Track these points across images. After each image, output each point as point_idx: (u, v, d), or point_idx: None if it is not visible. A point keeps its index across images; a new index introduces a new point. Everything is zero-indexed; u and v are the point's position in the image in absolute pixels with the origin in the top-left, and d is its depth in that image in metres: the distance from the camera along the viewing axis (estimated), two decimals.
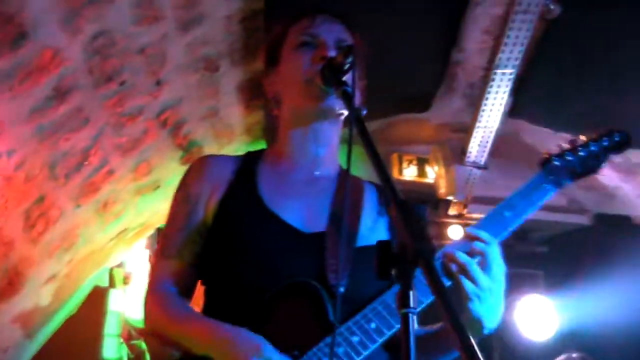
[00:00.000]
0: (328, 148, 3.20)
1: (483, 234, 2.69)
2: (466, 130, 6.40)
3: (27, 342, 5.61)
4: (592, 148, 3.04)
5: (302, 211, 3.08)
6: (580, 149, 3.02)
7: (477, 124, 6.18)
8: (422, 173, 6.65)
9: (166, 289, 3.05)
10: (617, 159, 6.82)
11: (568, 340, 7.87)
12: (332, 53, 2.97)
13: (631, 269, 7.60)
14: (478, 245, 2.68)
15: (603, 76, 5.46)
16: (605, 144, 3.04)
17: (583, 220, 7.89)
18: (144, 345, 5.28)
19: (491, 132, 6.30)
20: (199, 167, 3.29)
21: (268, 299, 2.89)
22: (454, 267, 2.65)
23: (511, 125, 6.27)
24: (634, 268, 7.59)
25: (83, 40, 4.26)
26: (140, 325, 5.48)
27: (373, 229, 3.07)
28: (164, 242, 3.19)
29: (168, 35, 4.73)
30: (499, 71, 5.60)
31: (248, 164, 3.24)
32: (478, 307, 2.63)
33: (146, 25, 4.54)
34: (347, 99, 2.66)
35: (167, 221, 3.23)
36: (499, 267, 2.66)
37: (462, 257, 2.64)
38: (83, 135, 4.77)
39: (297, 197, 3.13)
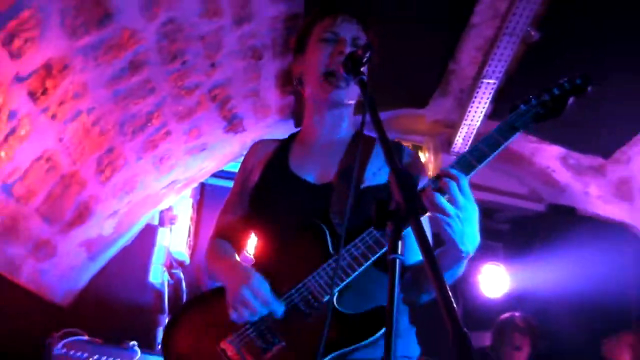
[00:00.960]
0: (341, 121, 3.26)
1: (452, 171, 2.59)
2: (454, 127, 6.44)
3: (90, 264, 5.53)
4: (555, 91, 2.83)
5: (316, 169, 3.17)
6: (543, 93, 2.83)
7: (463, 122, 6.22)
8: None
9: (220, 237, 3.30)
10: (571, 160, 6.46)
11: (515, 301, 7.90)
12: (348, 49, 3.00)
13: (573, 250, 7.47)
14: (448, 181, 2.57)
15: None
16: (566, 86, 2.84)
17: (539, 207, 7.79)
18: (181, 274, 5.23)
19: (474, 129, 6.33)
20: (252, 149, 3.42)
21: (283, 236, 3.05)
22: (434, 201, 2.55)
23: (490, 126, 6.12)
24: (575, 249, 7.47)
25: (156, 25, 4.21)
26: (180, 258, 5.43)
27: (377, 173, 3.08)
28: (226, 202, 3.39)
29: (224, 27, 4.67)
30: (484, 81, 5.56)
31: (285, 142, 3.36)
32: (451, 233, 2.56)
33: (208, 17, 4.48)
34: (364, 86, 2.70)
35: (233, 187, 3.39)
36: (467, 197, 2.58)
37: (430, 191, 2.56)
38: (148, 102, 4.75)
39: (314, 159, 3.21)
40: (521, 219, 8.54)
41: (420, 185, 2.74)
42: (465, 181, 2.57)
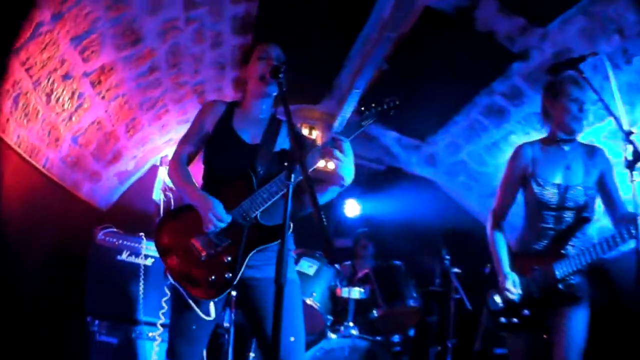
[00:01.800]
0: (266, 106, 3.28)
1: (342, 137, 2.83)
2: (334, 117, 6.35)
3: (120, 186, 5.53)
4: (383, 106, 2.98)
5: (249, 133, 3.19)
6: (377, 106, 2.97)
7: (340, 114, 6.19)
8: (310, 133, 6.73)
9: (181, 160, 3.19)
10: (402, 141, 7.04)
11: (364, 221, 7.94)
12: (273, 63, 3.08)
13: (400, 193, 7.66)
14: (341, 141, 2.81)
15: (407, 96, 5.41)
16: (391, 104, 2.99)
17: (382, 167, 7.84)
18: (171, 195, 5.34)
19: (345, 119, 6.31)
20: (208, 104, 3.34)
21: (226, 174, 3.08)
22: (332, 152, 2.79)
23: (353, 117, 6.16)
24: (401, 193, 7.64)
25: (166, 46, 4.24)
26: (170, 185, 5.51)
27: (283, 142, 3.18)
28: (186, 135, 3.29)
29: (205, 50, 4.67)
30: (354, 90, 5.54)
31: (231, 107, 3.31)
32: (341, 170, 2.83)
33: (196, 43, 4.48)
34: (281, 86, 2.86)
35: (189, 127, 3.30)
36: (349, 151, 2.83)
37: (332, 145, 2.80)
38: (157, 91, 4.72)
39: (248, 126, 3.22)
40: (370, 173, 8.22)
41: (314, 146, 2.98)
42: (347, 142, 2.83)
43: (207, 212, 2.90)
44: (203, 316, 2.94)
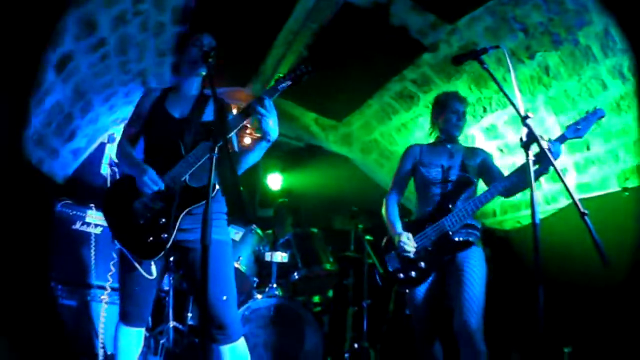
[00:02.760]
0: (195, 85, 3.48)
1: (264, 95, 3.08)
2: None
3: (74, 162, 5.57)
4: (298, 72, 3.23)
5: (179, 109, 3.37)
6: (295, 71, 3.25)
7: None
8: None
9: (124, 141, 3.40)
10: (319, 121, 7.29)
11: (286, 192, 8.14)
12: (205, 49, 3.27)
13: (318, 169, 8.08)
14: (264, 100, 3.05)
15: (325, 81, 5.67)
16: (304, 70, 3.24)
17: (301, 144, 8.11)
18: (116, 169, 5.50)
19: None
20: (147, 91, 3.54)
21: (158, 145, 3.32)
22: (256, 109, 3.04)
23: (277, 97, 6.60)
24: (319, 169, 8.07)
25: (116, 36, 4.36)
26: (115, 160, 5.38)
27: (209, 116, 3.34)
28: (129, 119, 3.47)
29: (148, 38, 4.78)
30: (277, 75, 5.70)
31: (165, 91, 3.50)
32: (266, 127, 3.07)
33: (142, 31, 4.60)
34: (210, 69, 3.05)
35: (132, 112, 3.50)
36: (271, 108, 3.05)
37: (257, 104, 3.03)
38: (107, 76, 4.86)
39: (178, 104, 3.40)
40: (292, 149, 8.62)
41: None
42: (269, 100, 3.07)
43: (142, 177, 3.09)
44: (146, 275, 3.16)
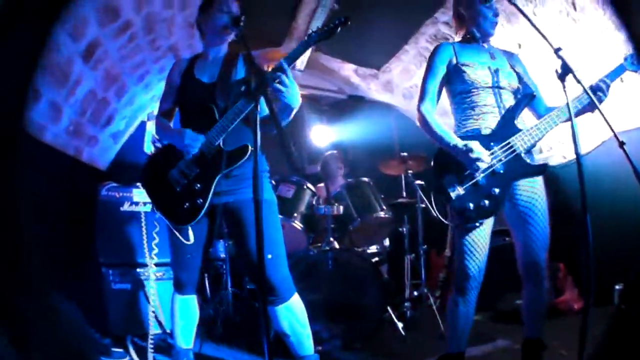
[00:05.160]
0: (222, 48, 3.45)
1: (283, 64, 2.95)
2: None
3: (114, 146, 5.52)
4: (330, 26, 3.06)
5: (208, 74, 3.35)
6: (324, 27, 3.11)
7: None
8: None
9: (162, 116, 3.44)
10: (359, 71, 7.33)
11: (333, 147, 7.85)
12: (235, 14, 3.27)
13: (350, 120, 8.19)
14: (279, 77, 2.93)
15: (360, 30, 5.66)
16: (337, 22, 3.03)
17: (344, 96, 8.09)
18: (159, 145, 5.50)
19: (304, 60, 6.65)
20: (175, 64, 3.54)
21: (192, 112, 3.33)
22: (272, 87, 2.94)
23: (314, 52, 6.61)
24: (366, 121, 8.08)
25: (141, 16, 4.37)
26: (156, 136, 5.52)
27: (239, 75, 3.27)
28: (162, 94, 3.51)
29: (175, 14, 4.75)
30: (311, 30, 5.89)
31: (193, 60, 3.48)
32: (287, 96, 2.98)
33: (168, 9, 4.61)
34: (242, 37, 2.99)
35: (164, 87, 3.51)
36: (288, 82, 2.94)
37: (271, 81, 2.92)
38: (138, 56, 4.84)
39: (207, 68, 3.38)
40: (334, 103, 8.85)
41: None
42: (283, 75, 2.93)
43: (183, 140, 3.12)
44: (184, 241, 3.17)
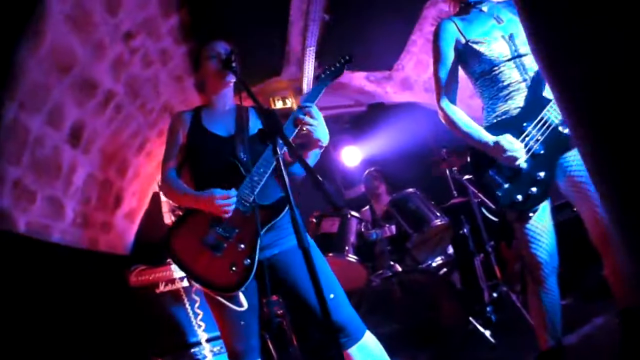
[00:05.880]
0: (229, 96, 3.34)
1: (307, 103, 2.96)
2: (299, 80, 6.52)
3: (132, 226, 5.46)
4: (337, 65, 3.11)
5: (222, 127, 3.24)
6: (332, 66, 3.11)
7: (304, 75, 6.36)
8: (284, 103, 6.83)
9: (169, 177, 3.22)
10: (371, 77, 7.16)
11: (367, 164, 7.74)
12: (224, 56, 3.15)
13: (389, 126, 7.76)
14: (308, 108, 2.94)
15: (360, 35, 5.62)
16: (342, 61, 3.12)
17: (362, 108, 7.95)
18: (180, 213, 5.37)
19: (310, 77, 6.48)
20: (176, 117, 3.37)
21: (213, 176, 3.11)
22: (303, 120, 2.90)
23: (317, 70, 6.36)
24: (390, 126, 7.76)
25: (121, 82, 4.31)
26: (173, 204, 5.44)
27: (255, 127, 3.20)
28: (165, 154, 3.31)
29: (159, 70, 4.72)
30: (307, 48, 5.74)
31: (197, 111, 3.35)
32: (315, 134, 2.95)
33: (146, 67, 4.53)
34: (236, 73, 3.02)
35: (166, 146, 3.33)
36: (317, 114, 2.94)
37: (301, 116, 2.91)
38: (131, 126, 4.78)
39: (218, 121, 3.27)
40: (354, 118, 8.59)
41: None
42: (314, 106, 2.96)
43: (213, 202, 2.97)
44: (237, 309, 2.99)
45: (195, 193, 3.11)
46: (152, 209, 5.64)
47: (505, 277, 5.74)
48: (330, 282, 3.03)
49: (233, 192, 3.01)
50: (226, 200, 2.97)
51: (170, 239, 3.14)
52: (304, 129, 2.96)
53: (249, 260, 2.97)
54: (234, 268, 2.98)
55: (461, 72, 3.30)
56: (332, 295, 2.96)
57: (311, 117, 2.95)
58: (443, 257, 5.99)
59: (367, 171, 6.97)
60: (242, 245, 3.00)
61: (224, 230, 3.03)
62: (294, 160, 3.11)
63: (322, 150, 3.11)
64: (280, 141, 2.54)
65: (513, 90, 3.08)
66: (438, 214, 5.48)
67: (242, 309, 3.00)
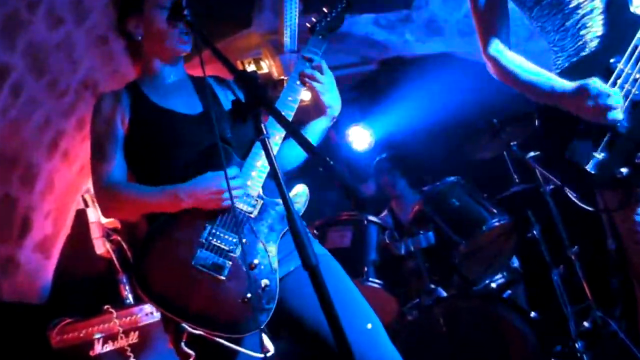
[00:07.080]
0: (181, 62, 3.36)
1: (315, 57, 3.04)
2: (279, 32, 6.53)
3: (47, 262, 5.45)
4: (333, 13, 3.17)
5: (182, 103, 3.22)
6: (328, 14, 3.17)
7: (285, 25, 6.31)
8: (259, 67, 6.90)
9: (110, 183, 3.13)
10: (381, 21, 7.14)
11: (381, 148, 8.07)
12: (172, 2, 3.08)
13: (411, 89, 7.74)
14: (317, 62, 3.02)
15: None
16: (339, 8, 3.19)
17: (372, 67, 8.07)
18: (119, 237, 5.38)
19: (295, 27, 6.46)
20: (101, 102, 3.29)
21: (186, 167, 3.07)
22: (313, 75, 2.99)
23: (305, 20, 6.29)
24: (413, 88, 7.74)
25: (19, 50, 4.23)
26: (111, 225, 5.52)
27: (226, 98, 3.28)
28: (96, 153, 3.24)
29: (71, 30, 4.65)
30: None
31: (134, 86, 3.30)
32: (324, 98, 3.01)
33: (55, 28, 4.47)
34: (190, 24, 2.90)
35: (92, 141, 3.25)
36: (328, 71, 3.03)
37: (309, 70, 3.00)
38: (37, 114, 4.80)
39: (175, 95, 3.27)
40: (361, 81, 8.67)
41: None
42: (323, 61, 3.04)
43: (207, 191, 2.91)
44: (256, 355, 2.86)
45: (173, 187, 3.01)
46: (76, 234, 5.66)
47: (598, 296, 5.57)
48: (362, 306, 3.01)
49: (234, 169, 2.96)
50: (234, 182, 2.89)
51: (143, 274, 2.98)
52: (312, 87, 3.01)
53: (267, 282, 2.89)
54: (248, 294, 2.85)
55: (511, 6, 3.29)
56: (369, 325, 2.92)
57: (321, 72, 3.00)
58: (505, 273, 5.99)
59: (376, 160, 7.15)
60: (254, 260, 2.91)
61: (222, 241, 2.93)
62: (289, 139, 3.05)
63: (331, 124, 3.16)
64: (270, 115, 2.48)
65: (585, 13, 3.01)
66: (494, 211, 5.46)
67: (269, 353, 2.86)
